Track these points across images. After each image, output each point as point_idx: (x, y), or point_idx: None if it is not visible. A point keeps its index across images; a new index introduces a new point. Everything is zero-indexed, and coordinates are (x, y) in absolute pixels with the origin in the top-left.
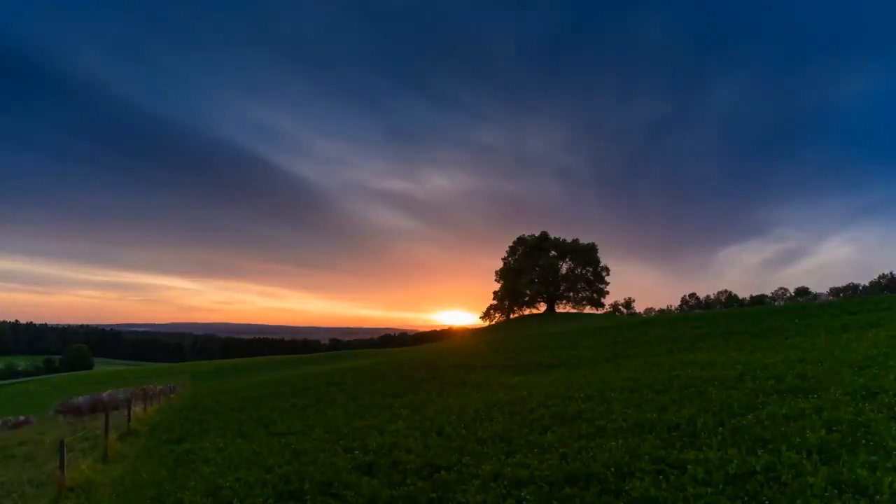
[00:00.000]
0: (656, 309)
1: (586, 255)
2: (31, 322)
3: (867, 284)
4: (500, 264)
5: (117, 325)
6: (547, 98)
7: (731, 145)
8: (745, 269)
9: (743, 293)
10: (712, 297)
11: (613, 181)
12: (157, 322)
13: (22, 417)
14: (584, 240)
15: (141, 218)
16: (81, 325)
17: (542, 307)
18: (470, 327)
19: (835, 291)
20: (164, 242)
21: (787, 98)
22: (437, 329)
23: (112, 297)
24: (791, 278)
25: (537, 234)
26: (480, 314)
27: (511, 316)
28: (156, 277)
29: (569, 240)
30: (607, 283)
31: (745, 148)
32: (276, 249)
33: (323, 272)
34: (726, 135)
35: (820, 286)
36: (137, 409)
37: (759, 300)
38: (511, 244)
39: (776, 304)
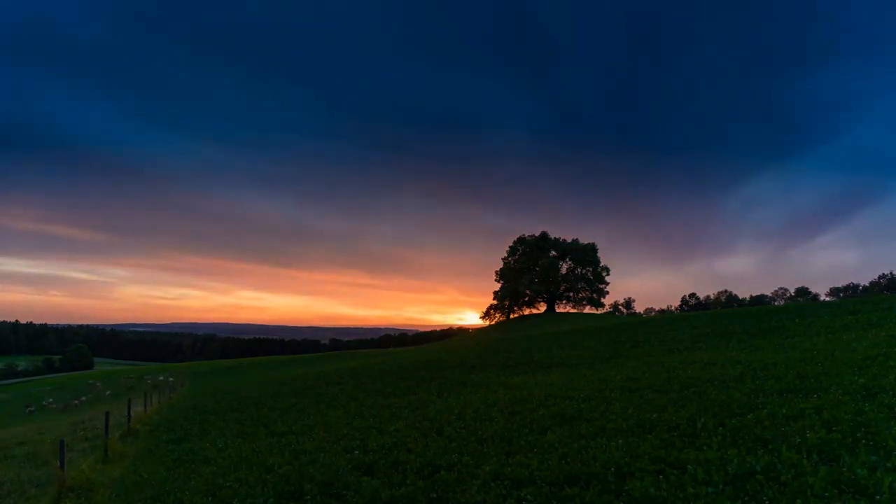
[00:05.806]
0: (656, 309)
1: (586, 255)
2: (31, 322)
3: (867, 284)
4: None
5: (117, 325)
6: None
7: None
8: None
9: (743, 293)
10: (712, 296)
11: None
12: (157, 322)
13: None
14: (583, 239)
15: None
16: (81, 325)
17: (542, 307)
18: (470, 327)
19: (835, 291)
20: None
21: None
22: (438, 329)
23: None
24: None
25: (537, 234)
26: (481, 314)
27: (511, 316)
28: None
29: (569, 240)
30: (607, 283)
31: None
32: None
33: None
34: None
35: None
36: (138, 408)
37: (758, 300)
38: (511, 244)
39: (776, 303)
